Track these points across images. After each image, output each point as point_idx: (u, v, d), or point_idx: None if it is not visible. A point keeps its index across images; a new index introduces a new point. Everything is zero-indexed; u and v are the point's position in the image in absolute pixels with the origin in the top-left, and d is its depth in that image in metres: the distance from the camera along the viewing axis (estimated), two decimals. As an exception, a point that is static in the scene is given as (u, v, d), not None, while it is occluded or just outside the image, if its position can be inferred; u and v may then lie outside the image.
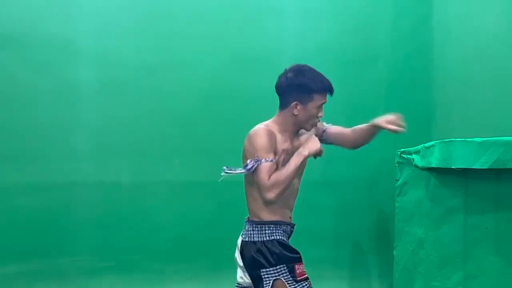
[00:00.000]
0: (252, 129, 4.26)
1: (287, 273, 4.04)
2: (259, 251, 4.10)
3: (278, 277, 4.04)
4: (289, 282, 4.02)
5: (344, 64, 6.86)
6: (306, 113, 4.17)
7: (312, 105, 4.15)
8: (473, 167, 5.40)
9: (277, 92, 4.34)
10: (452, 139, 5.59)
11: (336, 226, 6.90)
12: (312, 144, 4.07)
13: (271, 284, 4.02)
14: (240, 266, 4.26)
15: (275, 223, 4.15)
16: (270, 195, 3.91)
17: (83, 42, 6.17)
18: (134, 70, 6.31)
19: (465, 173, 5.59)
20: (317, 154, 4.13)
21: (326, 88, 4.20)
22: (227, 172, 4.11)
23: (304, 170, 4.34)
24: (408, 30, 6.99)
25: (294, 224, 4.35)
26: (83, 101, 6.21)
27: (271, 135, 4.14)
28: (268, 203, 4.03)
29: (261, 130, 4.19)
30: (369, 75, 6.97)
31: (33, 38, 6.10)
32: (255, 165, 3.97)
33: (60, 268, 6.19)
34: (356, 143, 4.74)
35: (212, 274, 6.51)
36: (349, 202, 6.91)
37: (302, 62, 6.54)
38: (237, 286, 4.38)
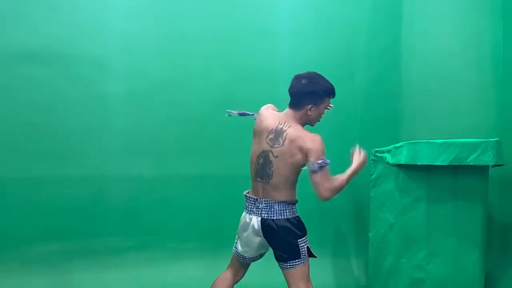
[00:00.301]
0: (314, 134, 4.36)
1: (308, 243, 4.41)
2: (293, 224, 4.35)
3: (305, 245, 4.38)
4: (310, 247, 4.39)
5: (327, 78, 6.82)
6: (317, 113, 4.45)
7: (322, 107, 4.44)
8: (435, 163, 5.51)
9: (292, 95, 4.49)
10: (418, 140, 5.71)
11: (321, 213, 6.88)
12: (363, 161, 4.59)
13: (305, 251, 4.37)
14: (250, 241, 4.45)
15: (295, 203, 4.50)
16: (328, 195, 4.24)
17: (112, 59, 6.17)
18: (154, 83, 6.30)
19: (428, 169, 5.67)
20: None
21: (333, 92, 4.47)
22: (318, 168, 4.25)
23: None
24: (380, 51, 7.05)
25: None
26: (112, 109, 6.20)
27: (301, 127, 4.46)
28: (322, 200, 4.28)
29: (317, 136, 4.35)
30: (348, 88, 6.91)
31: (72, 56, 6.08)
32: (324, 165, 4.24)
33: (92, 246, 6.19)
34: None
35: (217, 251, 6.45)
36: (332, 193, 6.90)
37: (292, 78, 6.67)
38: (238, 257, 4.61)
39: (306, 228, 4.44)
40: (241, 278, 4.80)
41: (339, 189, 4.24)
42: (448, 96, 6.89)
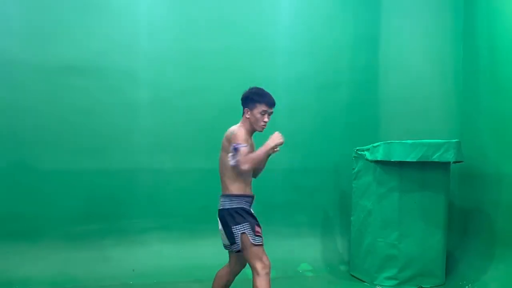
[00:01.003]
0: (233, 129, 4.28)
1: (250, 229, 4.14)
2: (229, 214, 4.22)
3: (243, 232, 4.14)
4: (250, 234, 4.12)
5: (316, 88, 6.92)
6: (254, 116, 4.28)
7: (256, 111, 4.27)
8: (406, 160, 5.67)
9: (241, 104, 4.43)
10: (392, 141, 5.88)
11: (311, 200, 6.92)
12: (275, 138, 4.20)
13: (239, 236, 4.14)
14: (220, 230, 4.34)
15: (241, 196, 4.28)
16: (245, 166, 4.02)
17: (140, 71, 6.21)
18: (174, 91, 6.32)
19: (400, 164, 5.81)
20: (276, 146, 4.23)
21: (264, 100, 4.31)
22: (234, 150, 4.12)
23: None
24: (361, 66, 7.08)
25: (254, 196, 4.44)
26: (140, 113, 6.25)
27: (246, 133, 4.26)
28: (242, 172, 4.14)
29: (241, 128, 4.26)
30: (334, 96, 6.99)
31: (106, 68, 6.14)
32: (239, 147, 4.06)
33: (122, 227, 6.24)
34: (255, 171, 4.64)
35: None
36: (321, 184, 6.93)
37: (288, 88, 6.80)
38: (224, 247, 4.45)
39: (257, 220, 4.28)
40: (239, 269, 4.56)
41: (255, 159, 4.06)
42: (418, 104, 7.06)
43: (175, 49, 6.42)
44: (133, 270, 5.90)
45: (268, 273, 4.15)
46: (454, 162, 5.95)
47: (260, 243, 4.17)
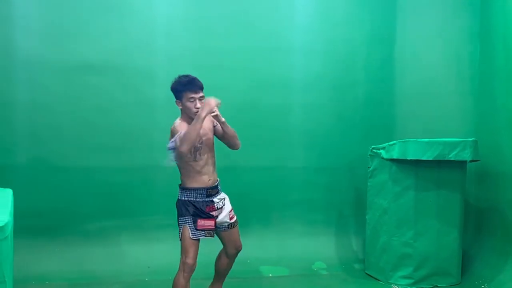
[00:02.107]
0: (174, 124, 4.27)
1: (191, 223, 4.16)
2: (178, 206, 4.30)
3: (184, 224, 4.19)
4: (191, 228, 4.14)
5: (332, 87, 6.84)
6: (185, 106, 4.22)
7: (185, 100, 4.20)
8: (422, 158, 5.61)
9: None
10: (407, 139, 5.81)
11: (327, 198, 6.87)
12: (205, 106, 4.05)
13: (181, 228, 4.21)
14: None
15: (191, 189, 4.25)
16: (182, 148, 3.96)
17: (157, 70, 6.16)
18: None
19: (416, 163, 5.73)
20: (212, 113, 4.10)
21: (187, 87, 4.20)
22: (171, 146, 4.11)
23: (213, 145, 4.46)
24: (377, 65, 7.00)
25: (215, 185, 4.38)
26: (157, 111, 6.19)
27: (185, 125, 4.18)
28: (183, 154, 4.05)
29: (180, 123, 4.24)
30: (350, 95, 6.92)
31: (124, 67, 6.14)
32: (176, 137, 4.03)
33: (138, 223, 6.24)
34: (229, 145, 4.69)
35: (240, 229, 6.32)
36: (336, 182, 6.88)
37: (304, 86, 6.76)
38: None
39: (204, 214, 4.27)
40: (231, 250, 4.65)
41: (189, 134, 3.96)
42: (434, 102, 6.97)
43: (192, 48, 6.38)
44: (149, 267, 5.93)
45: (186, 271, 4.17)
46: (471, 161, 5.86)
47: (198, 237, 4.19)
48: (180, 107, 4.28)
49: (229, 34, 6.50)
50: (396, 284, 5.89)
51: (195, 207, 4.23)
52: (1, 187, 4.68)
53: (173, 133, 4.18)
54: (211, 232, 4.27)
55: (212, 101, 4.09)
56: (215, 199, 4.38)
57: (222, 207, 4.45)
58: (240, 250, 4.71)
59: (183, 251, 4.18)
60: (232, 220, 4.58)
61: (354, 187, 6.95)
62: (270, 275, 6.23)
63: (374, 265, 6.22)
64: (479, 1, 6.88)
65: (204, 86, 6.17)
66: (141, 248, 6.13)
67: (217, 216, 4.36)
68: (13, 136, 5.90)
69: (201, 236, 4.19)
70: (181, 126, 4.19)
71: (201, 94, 4.26)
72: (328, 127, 6.86)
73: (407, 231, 5.84)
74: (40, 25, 5.95)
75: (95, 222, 6.10)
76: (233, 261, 4.72)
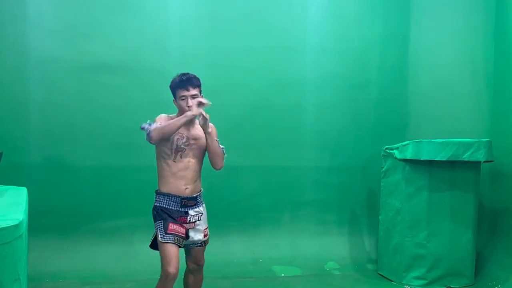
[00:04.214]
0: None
1: (161, 227, 3.90)
2: (152, 211, 4.05)
3: (157, 229, 3.95)
4: (161, 232, 3.88)
5: (346, 87, 6.85)
6: (178, 104, 4.06)
7: (178, 99, 4.06)
8: (435, 159, 5.58)
9: None
10: (421, 139, 5.78)
11: (339, 198, 6.87)
12: (190, 111, 3.90)
13: (155, 232, 3.98)
14: None
15: (165, 194, 3.99)
16: (151, 134, 3.81)
17: (170, 70, 5.86)
18: (204, 89, 6.10)
19: (430, 163, 5.71)
20: (196, 116, 3.94)
21: (179, 85, 4.06)
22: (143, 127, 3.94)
23: (203, 154, 4.18)
24: (390, 64, 7.00)
25: (193, 196, 4.07)
26: (170, 110, 5.89)
27: (169, 118, 4.03)
28: (150, 141, 3.89)
29: (163, 115, 4.10)
30: (363, 95, 6.92)
31: (137, 67, 6.14)
32: (151, 125, 3.89)
33: (151, 222, 5.82)
34: (210, 162, 4.32)
35: (254, 228, 6.57)
36: (349, 182, 6.88)
37: (317, 86, 6.75)
38: None
39: (174, 219, 3.99)
40: (192, 265, 4.27)
41: (165, 127, 3.80)
42: (448, 103, 6.92)
43: (205, 47, 6.39)
44: (152, 266, 5.96)
45: (168, 280, 3.89)
46: (485, 162, 5.82)
47: (167, 241, 3.89)
48: (177, 106, 4.13)
49: (242, 34, 6.51)
50: (409, 285, 5.86)
51: (167, 214, 3.97)
52: (16, 185, 4.72)
53: (155, 120, 4.01)
54: (180, 240, 3.95)
55: (195, 109, 3.93)
56: (191, 212, 4.05)
57: (195, 221, 4.08)
58: (202, 265, 4.32)
59: (163, 259, 3.90)
60: (205, 238, 4.20)
61: (367, 187, 6.95)
62: (283, 274, 6.23)
63: (387, 266, 6.20)
64: (495, 1, 6.82)
65: (217, 86, 6.30)
66: (154, 247, 6.12)
67: (188, 230, 4.03)
68: (28, 135, 5.93)
69: (169, 240, 3.87)
70: (162, 117, 4.05)
71: (193, 92, 4.06)
72: (341, 127, 6.86)
73: (420, 231, 5.81)
74: (55, 25, 5.97)
75: (108, 221, 6.13)
76: (200, 275, 4.34)
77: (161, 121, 3.96)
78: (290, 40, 6.68)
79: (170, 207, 3.98)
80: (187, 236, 4.01)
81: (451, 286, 5.86)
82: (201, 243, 4.17)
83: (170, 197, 3.99)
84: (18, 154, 5.84)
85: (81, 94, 6.05)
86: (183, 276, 4.34)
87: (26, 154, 5.92)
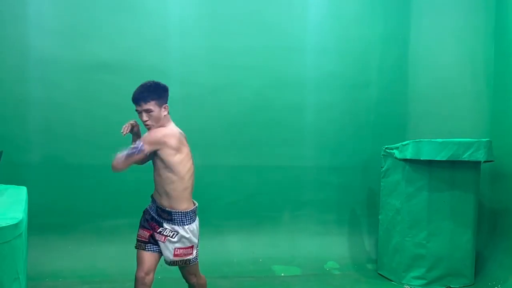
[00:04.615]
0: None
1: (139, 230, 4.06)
2: None
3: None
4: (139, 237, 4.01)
5: (346, 87, 6.84)
6: None
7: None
8: (435, 159, 5.58)
9: None
10: (421, 139, 5.78)
11: (339, 198, 6.86)
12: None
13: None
14: None
15: (152, 197, 4.07)
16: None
17: (171, 69, 6.13)
18: (204, 88, 6.27)
19: (430, 163, 5.70)
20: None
21: (132, 101, 4.09)
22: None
23: (157, 164, 4.01)
24: (390, 65, 6.99)
25: (164, 209, 3.90)
26: (170, 109, 6.01)
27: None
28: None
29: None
30: (363, 94, 6.91)
31: (137, 65, 6.09)
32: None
33: None
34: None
35: (253, 228, 6.56)
36: (349, 182, 6.87)
37: (317, 86, 6.75)
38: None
39: (146, 224, 4.08)
40: (186, 280, 4.25)
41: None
42: (448, 103, 6.92)
43: (205, 47, 6.38)
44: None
45: (135, 283, 3.97)
46: (485, 162, 5.82)
47: (136, 247, 4.02)
48: None
49: (243, 34, 6.50)
50: (408, 285, 5.85)
51: (144, 215, 4.07)
52: (16, 184, 4.71)
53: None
54: (142, 244, 3.98)
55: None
56: (166, 225, 3.89)
57: (166, 236, 3.90)
58: (192, 283, 4.22)
59: (137, 263, 4.02)
60: (175, 258, 3.94)
61: (367, 187, 6.95)
62: (283, 274, 6.22)
63: (387, 266, 6.19)
64: (495, 1, 6.82)
65: (217, 85, 6.26)
66: (153, 246, 6.10)
67: (154, 235, 3.96)
68: (28, 134, 5.91)
69: (136, 246, 4.02)
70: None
71: (142, 108, 4.04)
72: (341, 127, 6.86)
73: (420, 231, 5.81)
74: (55, 24, 5.96)
75: (108, 220, 6.11)
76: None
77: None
78: (290, 40, 6.67)
79: (150, 210, 4.03)
80: (150, 240, 3.97)
81: (451, 286, 5.85)
82: (170, 262, 4.00)
83: (152, 201, 4.04)
84: (18, 153, 5.82)
85: (81, 93, 6.03)
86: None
87: (26, 153, 5.91)
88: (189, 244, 3.95)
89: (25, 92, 5.91)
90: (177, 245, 3.91)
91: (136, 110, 4.00)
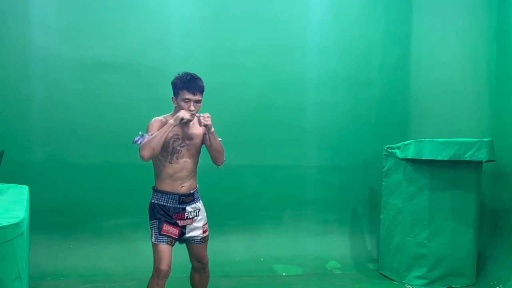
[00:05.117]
0: (155, 118, 4.03)
1: (156, 227, 3.91)
2: (149, 208, 4.04)
3: (151, 228, 3.95)
4: (155, 232, 3.90)
5: (348, 86, 6.84)
6: (178, 105, 3.95)
7: (180, 98, 3.93)
8: (437, 158, 5.58)
9: None
10: (423, 139, 5.79)
11: (341, 198, 6.86)
12: (177, 115, 3.81)
13: (151, 231, 3.96)
14: None
15: (163, 192, 3.97)
16: (141, 153, 3.75)
17: (172, 68, 5.85)
18: (206, 87, 6.10)
19: (431, 163, 5.70)
20: (182, 120, 3.80)
21: (186, 86, 3.93)
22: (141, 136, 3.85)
23: (198, 152, 4.13)
24: (392, 64, 6.98)
25: (190, 192, 4.04)
26: (172, 108, 5.88)
27: (161, 123, 3.95)
28: (143, 160, 3.79)
29: (156, 118, 4.01)
30: (365, 94, 6.90)
31: (139, 65, 6.13)
32: (143, 137, 3.81)
33: None
34: (212, 159, 4.24)
35: (255, 227, 6.56)
36: (350, 181, 6.87)
37: (319, 85, 6.73)
38: None
39: (171, 219, 3.99)
40: (195, 263, 4.28)
41: (151, 142, 3.72)
42: (450, 102, 6.92)
43: (207, 46, 6.38)
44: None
45: (159, 278, 3.91)
46: (486, 161, 5.83)
47: (159, 242, 3.91)
48: (175, 105, 4.03)
49: (244, 33, 6.50)
50: (410, 284, 5.85)
51: (164, 211, 3.97)
52: (17, 183, 4.73)
53: (147, 129, 3.94)
54: (173, 240, 3.97)
55: (182, 113, 3.85)
56: (188, 208, 4.05)
57: (193, 217, 4.09)
58: (205, 263, 4.30)
59: (155, 257, 3.93)
60: (205, 234, 4.21)
61: (368, 187, 6.95)
62: (284, 274, 6.22)
63: (388, 265, 6.19)
64: (497, 0, 6.83)
65: (219, 84, 6.29)
66: (155, 246, 6.11)
67: (184, 226, 4.04)
68: (29, 133, 5.92)
69: (163, 241, 3.90)
70: (156, 122, 3.96)
71: (198, 98, 3.98)
72: (342, 126, 6.85)
73: (422, 231, 5.81)
74: (57, 23, 5.96)
75: (110, 219, 6.11)
76: (204, 274, 4.35)
77: (152, 131, 3.87)
78: (292, 39, 6.67)
79: (168, 204, 3.98)
80: (180, 236, 4.02)
81: (452, 286, 5.85)
82: (200, 239, 4.16)
83: (169, 195, 3.99)
84: (19, 152, 5.83)
85: (83, 93, 6.03)
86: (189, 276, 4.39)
87: (27, 152, 5.91)
88: (206, 218, 4.26)
89: (27, 91, 5.91)
90: (203, 221, 4.19)
91: (187, 98, 3.92)
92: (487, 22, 6.88)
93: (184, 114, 3.83)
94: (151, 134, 3.81)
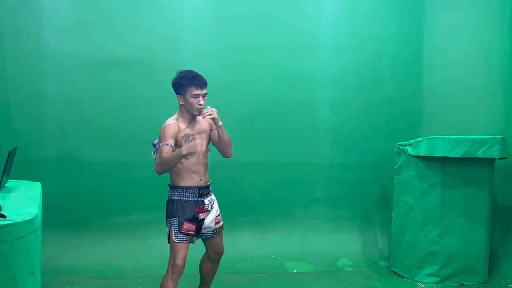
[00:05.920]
0: (166, 123, 4.06)
1: (176, 225, 3.98)
2: (167, 206, 4.09)
3: (171, 226, 4.01)
4: (175, 231, 3.97)
5: (359, 84, 6.80)
6: (187, 102, 4.03)
7: (188, 95, 4.01)
8: (449, 155, 5.54)
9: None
10: (435, 136, 5.74)
11: (352, 195, 6.85)
12: (189, 146, 3.80)
13: (168, 230, 4.04)
14: None
15: (184, 188, 4.05)
16: (156, 169, 3.87)
17: (183, 65, 5.84)
18: (216, 85, 6.03)
19: (443, 160, 5.67)
20: (191, 153, 3.82)
21: (193, 83, 4.02)
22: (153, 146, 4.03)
23: (208, 146, 4.25)
24: (404, 61, 6.95)
25: (207, 185, 4.18)
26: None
27: (175, 126, 4.01)
28: (157, 174, 3.91)
29: (169, 123, 4.04)
30: (377, 91, 6.86)
31: (150, 62, 6.14)
32: (157, 146, 3.93)
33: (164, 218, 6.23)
34: (222, 152, 4.38)
35: (267, 223, 6.58)
36: (362, 179, 6.85)
37: (331, 83, 6.73)
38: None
39: (191, 215, 4.06)
40: (213, 256, 4.39)
41: (164, 163, 3.81)
42: (462, 100, 6.87)
43: (219, 44, 6.38)
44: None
45: (174, 273, 3.98)
46: (499, 159, 5.77)
47: (180, 241, 3.99)
48: (182, 103, 4.09)
49: (256, 31, 6.48)
50: (422, 282, 5.84)
51: (184, 208, 4.04)
52: (30, 180, 4.76)
53: (161, 135, 3.99)
54: (192, 238, 4.07)
55: (196, 148, 3.89)
56: (206, 200, 4.18)
57: (210, 210, 4.22)
58: (222, 254, 4.44)
59: (172, 253, 4.01)
60: (218, 226, 4.34)
61: (380, 184, 6.92)
62: (295, 271, 6.22)
63: (400, 263, 6.17)
64: (510, -2, 6.77)
65: (230, 82, 6.30)
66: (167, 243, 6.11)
67: (203, 219, 4.13)
68: (42, 131, 5.97)
69: (183, 240, 3.99)
70: (169, 128, 3.99)
71: (205, 91, 4.08)
72: (354, 124, 6.83)
73: (434, 228, 5.78)
74: (69, 21, 5.99)
75: (122, 216, 6.15)
76: (217, 265, 4.47)
77: (166, 139, 3.92)
78: (303, 37, 6.65)
79: (189, 199, 4.07)
80: (197, 230, 4.11)
81: (464, 284, 5.83)
82: (214, 230, 4.29)
83: (189, 190, 4.07)
84: (32, 149, 5.88)
85: (95, 90, 6.06)
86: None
87: (40, 149, 5.96)
88: (219, 209, 4.42)
89: (39, 89, 5.95)
90: (217, 212, 4.35)
91: (196, 94, 4.02)
92: (500, 20, 6.80)
93: (196, 148, 3.86)
94: (166, 144, 3.89)
